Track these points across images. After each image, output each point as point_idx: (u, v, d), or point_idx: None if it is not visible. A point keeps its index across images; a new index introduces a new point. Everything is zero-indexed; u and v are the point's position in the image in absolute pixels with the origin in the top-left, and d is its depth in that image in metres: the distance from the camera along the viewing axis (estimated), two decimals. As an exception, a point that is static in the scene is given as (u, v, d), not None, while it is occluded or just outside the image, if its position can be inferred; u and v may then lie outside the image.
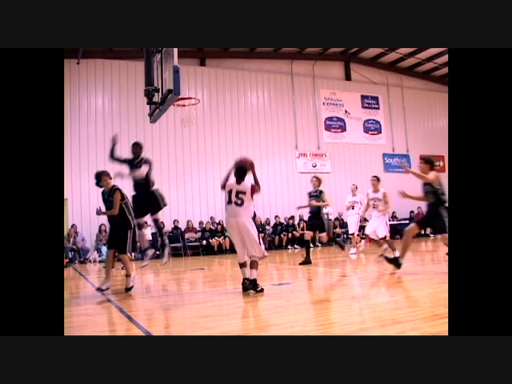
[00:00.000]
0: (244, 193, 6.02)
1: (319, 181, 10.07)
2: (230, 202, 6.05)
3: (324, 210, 12.68)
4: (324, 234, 10.07)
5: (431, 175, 7.30)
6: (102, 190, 6.94)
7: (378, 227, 9.90)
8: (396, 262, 7.43)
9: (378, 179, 10.10)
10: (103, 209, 6.87)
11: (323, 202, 9.88)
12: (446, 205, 7.29)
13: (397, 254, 8.57)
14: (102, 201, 6.99)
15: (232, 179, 6.19)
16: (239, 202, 6.01)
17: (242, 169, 6.14)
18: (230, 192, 6.06)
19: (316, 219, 9.95)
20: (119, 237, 6.71)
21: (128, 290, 6.66)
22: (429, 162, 7.65)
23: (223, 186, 6.17)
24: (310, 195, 10.10)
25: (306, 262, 9.77)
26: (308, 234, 10.10)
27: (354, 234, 12.74)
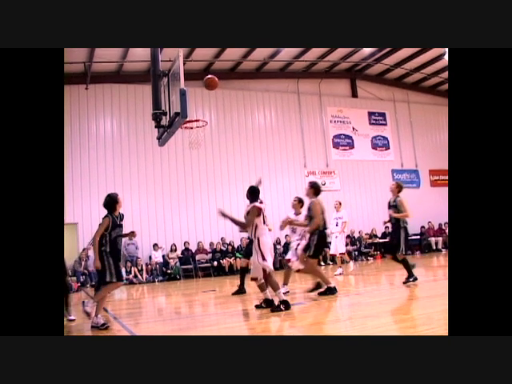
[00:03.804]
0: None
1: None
2: (264, 222, 6.42)
3: (329, 230, 12.46)
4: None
5: (316, 202, 7.43)
6: (113, 215, 6.21)
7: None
8: (330, 291, 7.47)
9: (299, 200, 8.67)
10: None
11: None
12: (324, 229, 7.49)
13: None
14: (113, 227, 6.15)
15: (248, 201, 6.52)
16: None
17: (256, 188, 6.65)
18: (263, 213, 6.42)
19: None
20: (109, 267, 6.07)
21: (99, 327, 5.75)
22: (314, 186, 7.61)
23: (251, 220, 6.33)
24: None
25: (240, 291, 8.90)
26: (244, 262, 9.24)
27: (344, 253, 12.35)
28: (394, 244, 8.56)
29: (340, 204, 12.39)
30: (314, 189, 7.55)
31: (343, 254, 12.46)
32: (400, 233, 8.44)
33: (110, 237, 6.15)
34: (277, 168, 18.70)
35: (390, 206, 8.73)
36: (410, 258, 10.18)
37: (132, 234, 6.68)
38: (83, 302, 6.25)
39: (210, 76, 6.97)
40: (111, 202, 6.27)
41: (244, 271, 9.24)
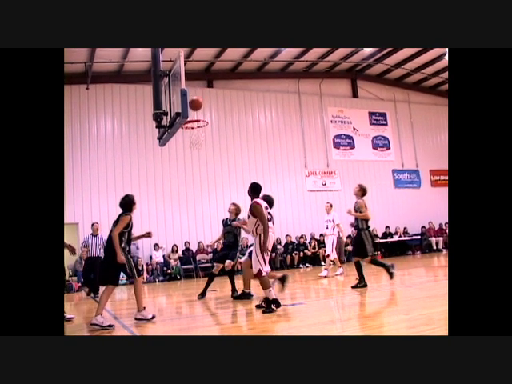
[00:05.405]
0: None
1: (238, 208, 8.80)
2: (269, 219, 6.45)
3: (329, 232, 12.31)
4: (231, 263, 8.75)
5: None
6: (129, 216, 6.31)
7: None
8: (283, 280, 7.33)
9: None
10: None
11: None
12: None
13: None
14: (131, 226, 6.32)
15: (254, 199, 6.50)
16: None
17: (258, 184, 6.67)
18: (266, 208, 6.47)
19: (229, 249, 8.80)
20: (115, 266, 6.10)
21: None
22: (268, 200, 7.23)
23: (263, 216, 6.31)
24: (227, 224, 8.80)
25: (203, 293, 8.98)
26: (217, 267, 8.98)
27: (328, 255, 12.12)
28: (360, 248, 8.61)
29: (331, 206, 12.21)
30: (268, 202, 7.37)
31: (328, 256, 12.31)
32: (362, 237, 8.49)
33: (129, 235, 6.18)
34: (277, 168, 18.69)
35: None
36: (408, 259, 10.17)
37: (149, 235, 6.74)
38: (137, 318, 6.24)
39: (194, 98, 7.17)
40: (129, 203, 6.36)
41: (213, 276, 9.11)
